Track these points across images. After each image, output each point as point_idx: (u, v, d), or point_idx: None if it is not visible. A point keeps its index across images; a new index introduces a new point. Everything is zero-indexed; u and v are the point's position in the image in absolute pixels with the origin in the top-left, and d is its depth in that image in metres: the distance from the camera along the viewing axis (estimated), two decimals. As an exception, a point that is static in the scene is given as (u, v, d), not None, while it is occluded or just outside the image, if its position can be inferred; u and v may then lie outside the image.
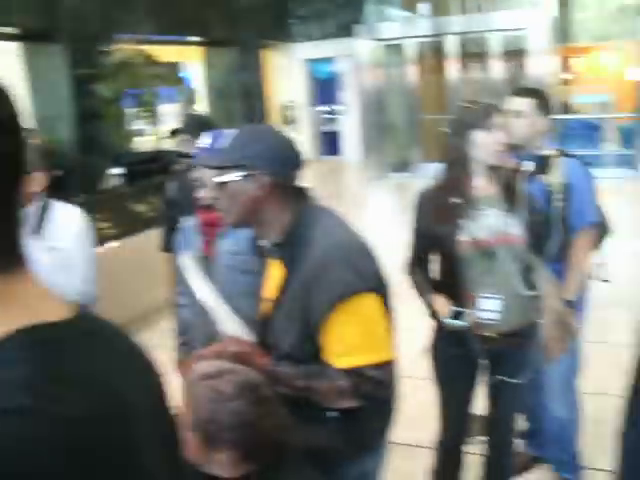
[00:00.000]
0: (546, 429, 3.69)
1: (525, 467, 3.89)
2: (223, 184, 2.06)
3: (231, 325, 2.16)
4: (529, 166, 2.76)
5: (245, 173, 2.02)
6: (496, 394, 3.10)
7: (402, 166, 14.87)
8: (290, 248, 2.07)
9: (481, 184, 2.87)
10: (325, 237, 2.07)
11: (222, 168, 2.05)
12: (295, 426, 1.88)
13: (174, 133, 8.20)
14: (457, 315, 2.80)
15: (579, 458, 3.67)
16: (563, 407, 3.60)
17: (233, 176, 2.03)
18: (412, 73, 14.86)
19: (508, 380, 2.98)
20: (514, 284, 2.84)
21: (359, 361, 2.02)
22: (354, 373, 2.02)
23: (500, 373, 3.01)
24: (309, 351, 2.07)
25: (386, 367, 2.10)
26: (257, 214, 2.09)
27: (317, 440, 2.10)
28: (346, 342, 2.03)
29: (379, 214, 11.94)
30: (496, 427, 3.19)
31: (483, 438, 3.28)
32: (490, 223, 2.83)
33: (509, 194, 2.84)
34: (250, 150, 2.04)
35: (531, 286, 2.88)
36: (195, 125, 3.97)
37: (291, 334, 2.08)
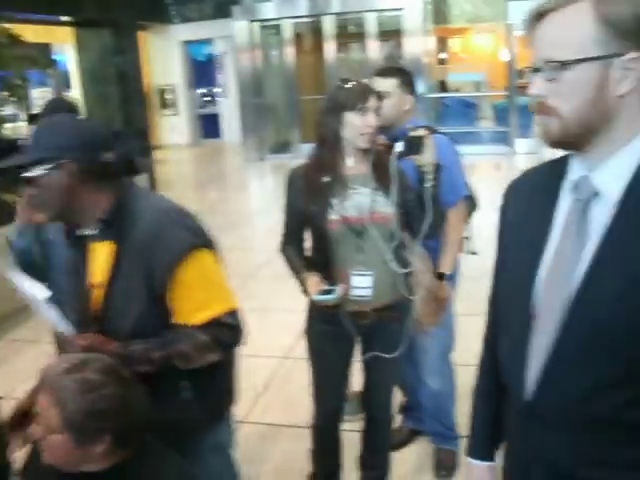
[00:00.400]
0: (423, 403, 3.73)
1: (405, 441, 3.90)
2: (33, 180, 2.03)
3: (59, 321, 2.09)
4: (399, 146, 2.76)
5: (51, 165, 2.00)
6: (371, 370, 3.10)
7: (282, 147, 14.84)
8: (118, 224, 2.09)
9: (352, 163, 2.85)
10: (151, 207, 2.14)
11: (28, 165, 2.03)
12: (152, 404, 1.86)
13: (33, 118, 7.84)
14: (327, 292, 2.77)
15: (457, 429, 3.72)
16: (439, 380, 3.64)
17: (39, 170, 2.01)
18: (290, 54, 14.80)
19: (382, 355, 2.97)
20: (385, 261, 2.84)
21: (213, 312, 2.11)
22: (212, 324, 2.10)
23: (374, 349, 3.00)
24: (156, 322, 2.09)
25: (237, 313, 2.19)
26: (74, 203, 2.08)
27: (173, 414, 2.10)
28: (196, 297, 2.10)
29: (259, 196, 11.91)
30: (373, 403, 3.19)
31: (361, 415, 3.27)
32: (360, 202, 2.81)
33: (380, 173, 2.83)
34: (51, 142, 2.03)
35: (403, 263, 2.89)
36: (56, 110, 3.77)
37: (134, 311, 2.08)
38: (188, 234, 2.10)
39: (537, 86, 1.34)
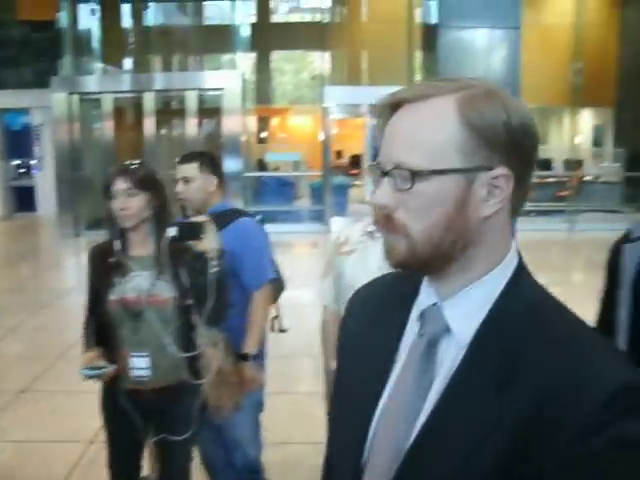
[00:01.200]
0: (238, 465, 3.75)
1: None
2: None
3: None
4: (172, 231, 2.89)
5: None
6: (163, 452, 3.12)
7: (99, 223, 14.27)
8: None
9: (135, 245, 2.97)
10: None
11: None
12: None
13: None
14: (97, 369, 2.83)
15: None
16: (256, 446, 3.68)
17: None
18: (110, 128, 14.67)
19: (171, 437, 3.02)
20: (162, 344, 2.92)
21: None
22: None
23: (163, 430, 3.05)
24: None
25: None
26: None
27: None
28: None
29: (72, 273, 11.59)
30: None
31: None
32: (139, 284, 2.92)
33: (163, 257, 2.93)
34: None
35: (187, 346, 2.97)
36: None
37: None
38: None
39: (383, 195, 1.07)
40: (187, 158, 3.49)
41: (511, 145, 1.03)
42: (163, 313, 2.93)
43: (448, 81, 1.07)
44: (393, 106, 1.09)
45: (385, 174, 1.07)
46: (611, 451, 0.92)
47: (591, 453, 0.92)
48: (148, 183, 2.95)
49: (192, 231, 2.89)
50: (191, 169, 3.41)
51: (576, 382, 0.96)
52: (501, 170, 1.03)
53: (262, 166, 17.69)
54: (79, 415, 4.99)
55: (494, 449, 0.98)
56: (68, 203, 14.35)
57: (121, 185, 2.90)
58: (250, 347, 3.39)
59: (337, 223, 13.56)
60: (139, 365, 2.92)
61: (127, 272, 2.93)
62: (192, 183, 3.38)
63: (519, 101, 1.06)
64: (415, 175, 1.02)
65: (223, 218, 3.39)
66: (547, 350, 1.00)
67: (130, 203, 2.89)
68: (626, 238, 3.36)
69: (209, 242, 2.89)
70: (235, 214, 3.52)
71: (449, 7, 10.39)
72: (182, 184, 3.38)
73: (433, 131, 1.03)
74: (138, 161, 3.05)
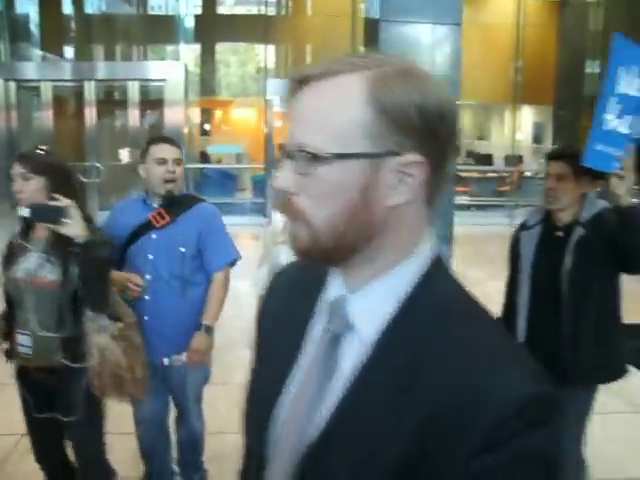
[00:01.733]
0: (184, 443, 3.80)
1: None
2: None
3: None
4: (25, 212, 2.91)
5: None
6: (69, 436, 3.20)
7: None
8: None
9: (38, 228, 3.04)
10: None
11: None
12: None
13: None
14: None
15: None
16: (201, 418, 3.79)
17: None
18: (50, 117, 14.33)
19: (61, 417, 3.09)
20: (35, 323, 3.01)
21: None
22: None
23: (53, 410, 3.12)
24: None
25: None
26: None
27: None
28: None
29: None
30: (80, 471, 3.25)
31: None
32: (28, 265, 3.01)
33: (57, 240, 2.96)
34: None
35: (63, 329, 3.00)
36: None
37: None
38: None
39: (285, 178, 0.99)
40: (175, 142, 3.54)
41: (425, 131, 0.95)
42: (45, 295, 2.99)
43: (359, 57, 0.98)
44: (300, 83, 0.99)
45: (290, 156, 0.99)
46: (514, 464, 0.89)
47: (493, 466, 0.88)
48: (45, 168, 2.98)
49: (46, 214, 2.89)
50: (179, 153, 3.49)
51: (479, 395, 0.90)
52: (413, 157, 0.96)
53: (205, 158, 17.59)
54: (9, 408, 4.90)
55: (391, 455, 0.93)
56: (5, 193, 13.96)
57: (18, 169, 2.96)
58: (210, 319, 3.50)
59: (278, 216, 13.52)
60: (24, 342, 3.03)
61: (26, 253, 3.03)
62: (181, 166, 3.46)
63: (440, 84, 0.99)
64: (316, 159, 0.95)
65: (184, 202, 3.53)
66: (452, 358, 0.94)
67: (25, 187, 2.95)
68: (523, 226, 3.50)
69: (73, 228, 2.88)
70: (194, 199, 3.64)
71: (391, 1, 10.48)
72: (173, 165, 3.42)
73: (338, 111, 0.95)
74: (43, 147, 3.12)
